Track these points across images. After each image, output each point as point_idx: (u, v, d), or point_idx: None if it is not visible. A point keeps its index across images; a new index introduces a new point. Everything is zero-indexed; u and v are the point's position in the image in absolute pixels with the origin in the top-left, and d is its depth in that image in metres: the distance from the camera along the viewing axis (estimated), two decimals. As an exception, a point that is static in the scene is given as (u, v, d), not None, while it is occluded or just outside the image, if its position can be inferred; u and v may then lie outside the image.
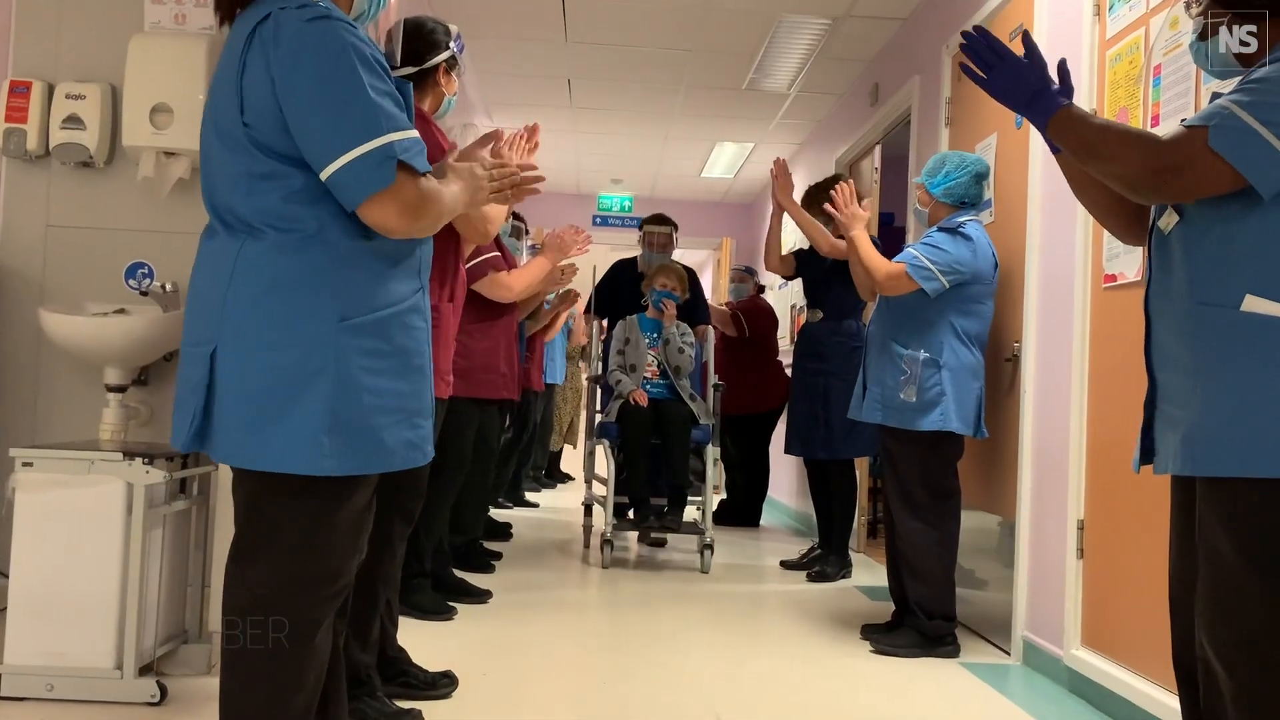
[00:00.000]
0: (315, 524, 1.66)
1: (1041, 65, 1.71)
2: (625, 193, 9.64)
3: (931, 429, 3.29)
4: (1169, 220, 1.66)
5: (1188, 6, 1.78)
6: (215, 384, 1.62)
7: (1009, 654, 3.42)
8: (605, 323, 5.36)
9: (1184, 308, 1.62)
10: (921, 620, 3.33)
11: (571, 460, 9.44)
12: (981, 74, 1.74)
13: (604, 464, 4.93)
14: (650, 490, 4.79)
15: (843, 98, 6.37)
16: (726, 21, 5.27)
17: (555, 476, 8.86)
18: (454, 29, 2.68)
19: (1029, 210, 3.48)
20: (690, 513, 5.06)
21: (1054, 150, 1.83)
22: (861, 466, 5.35)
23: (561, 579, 4.59)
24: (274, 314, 1.61)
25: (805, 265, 4.84)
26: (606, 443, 4.87)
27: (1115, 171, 1.62)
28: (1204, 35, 1.71)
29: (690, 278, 5.21)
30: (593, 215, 9.55)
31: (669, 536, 5.26)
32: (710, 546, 4.73)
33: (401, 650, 2.65)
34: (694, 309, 5.23)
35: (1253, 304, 1.54)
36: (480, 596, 3.84)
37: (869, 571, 4.97)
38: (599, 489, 5.11)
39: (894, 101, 5.22)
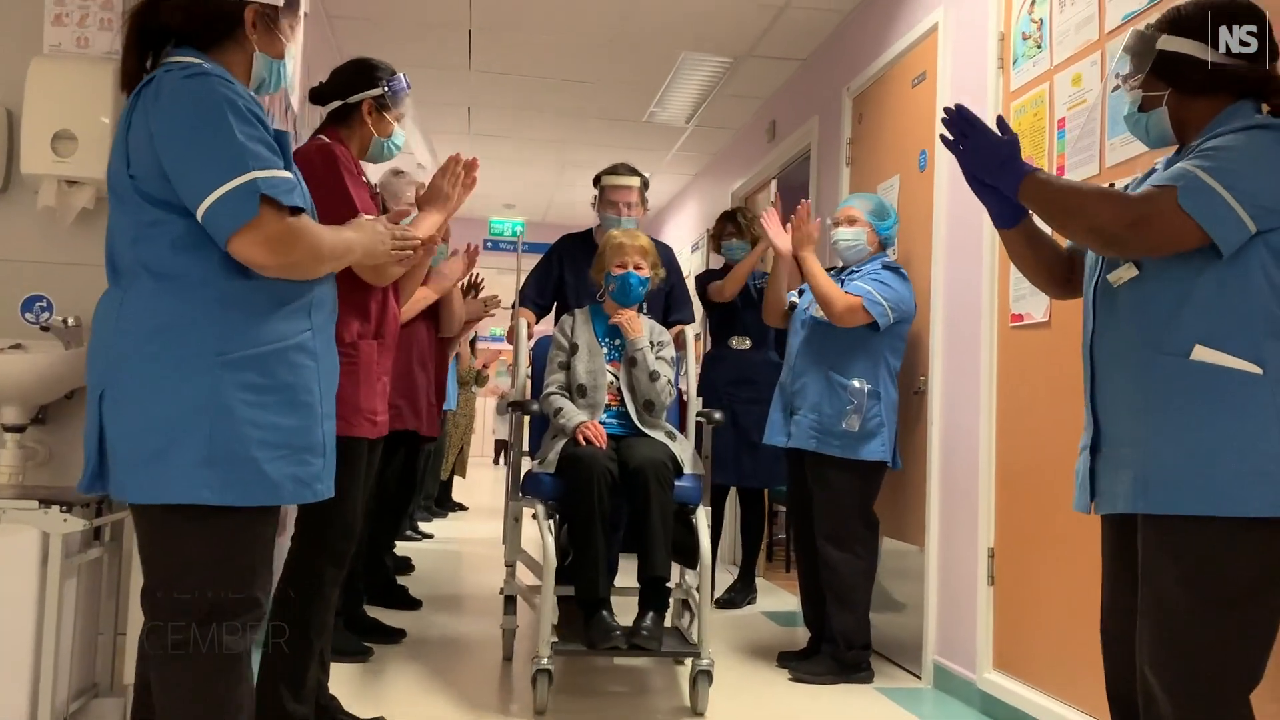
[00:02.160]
0: (210, 553, 1.71)
1: (1013, 138, 1.82)
2: (517, 218, 9.63)
3: (873, 458, 3.39)
4: (1121, 275, 1.76)
5: (1124, 81, 1.90)
6: (105, 426, 1.71)
7: (920, 678, 3.54)
8: (538, 320, 4.02)
9: (1136, 356, 1.72)
10: (839, 648, 3.42)
11: (462, 489, 9.33)
12: (957, 142, 1.84)
13: (538, 539, 3.16)
14: (610, 582, 3.16)
15: (739, 132, 6.52)
16: (631, 56, 5.35)
17: (447, 505, 8.73)
18: (402, 75, 2.65)
19: (934, 250, 3.64)
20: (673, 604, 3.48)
21: (1003, 225, 1.95)
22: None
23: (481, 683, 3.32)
24: (157, 355, 1.67)
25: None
26: (540, 507, 3.16)
27: (1091, 225, 1.71)
28: (1144, 108, 1.84)
29: (665, 255, 3.78)
30: (484, 240, 9.52)
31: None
32: (708, 673, 3.01)
33: (333, 698, 2.59)
34: (670, 301, 3.91)
35: (1201, 353, 1.65)
36: (394, 636, 3.76)
37: (772, 597, 5.06)
38: (525, 575, 3.60)
39: (792, 139, 5.38)
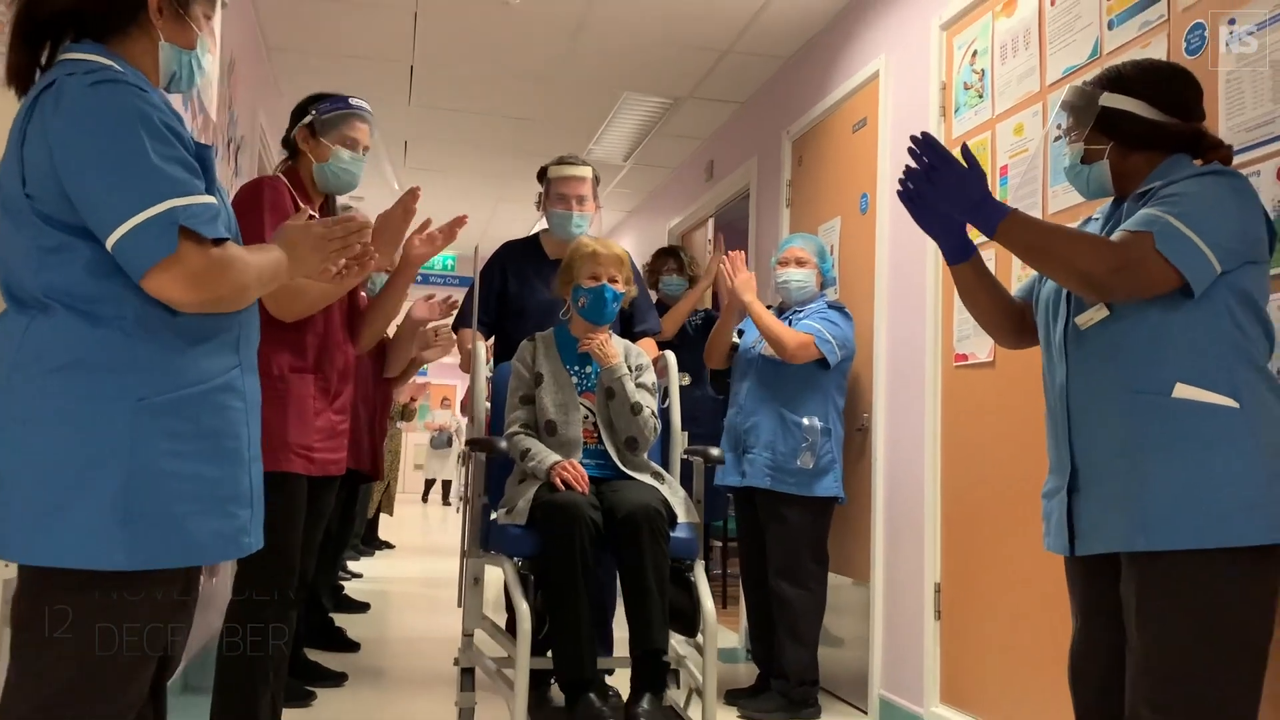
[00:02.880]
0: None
1: (983, 175, 1.85)
2: (449, 251, 9.57)
3: (827, 494, 3.44)
4: (1091, 317, 1.82)
5: (1066, 133, 1.98)
6: None
7: (866, 713, 3.58)
8: (493, 344, 3.51)
9: (1117, 397, 1.77)
10: (790, 684, 3.45)
11: (389, 527, 9.18)
12: (925, 174, 1.84)
13: (502, 604, 3.14)
14: (595, 656, 2.61)
15: (677, 171, 6.60)
16: (572, 94, 5.39)
17: (373, 544, 8.57)
18: (345, 99, 2.63)
19: (876, 290, 3.73)
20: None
21: (955, 260, 1.99)
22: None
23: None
24: (63, 394, 1.47)
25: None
26: (509, 565, 2.69)
27: (1075, 269, 1.75)
28: (1087, 160, 1.92)
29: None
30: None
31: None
32: None
33: (285, 746, 2.52)
34: (633, 310, 3.45)
35: (1183, 391, 1.71)
36: (336, 680, 3.68)
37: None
38: (489, 646, 3.00)
39: (731, 179, 5.47)
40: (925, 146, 1.84)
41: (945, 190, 1.84)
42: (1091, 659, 1.87)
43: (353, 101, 2.64)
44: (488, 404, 3.09)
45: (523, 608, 2.51)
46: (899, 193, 1.92)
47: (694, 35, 4.55)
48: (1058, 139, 2.78)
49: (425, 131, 6.14)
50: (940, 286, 3.35)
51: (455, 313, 3.75)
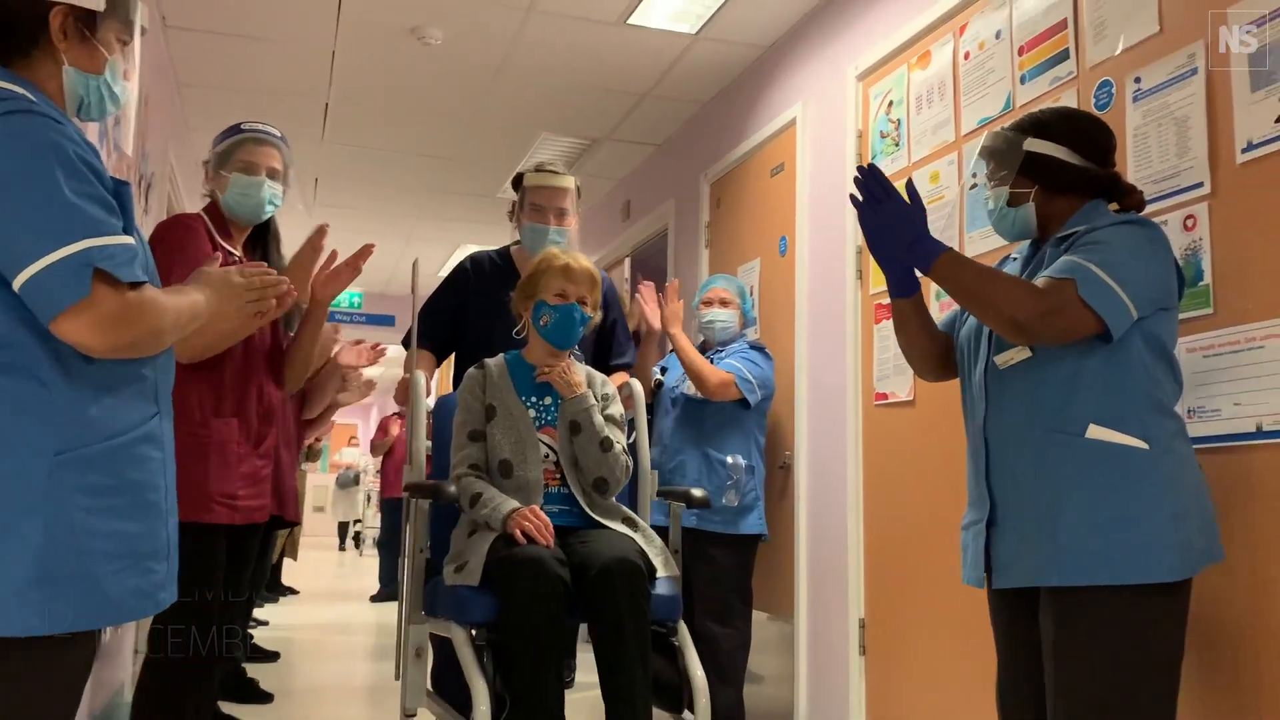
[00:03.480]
0: (13, 695, 1.40)
1: (923, 211, 1.91)
2: (355, 289, 9.43)
3: (752, 532, 3.47)
4: (1012, 357, 1.88)
5: (991, 177, 2.05)
6: None
7: (792, 749, 3.61)
8: (439, 362, 3.14)
9: (1034, 436, 1.84)
10: (716, 724, 3.45)
11: (292, 572, 8.93)
12: (869, 205, 1.89)
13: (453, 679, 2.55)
14: None
15: (593, 210, 6.65)
16: (489, 134, 5.40)
17: (277, 590, 8.33)
18: (249, 124, 2.58)
19: (797, 331, 3.81)
20: None
21: (898, 294, 2.04)
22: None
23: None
24: None
25: None
26: (460, 633, 2.29)
27: (1004, 313, 1.79)
28: (1013, 203, 1.99)
29: (606, 285, 2.94)
30: (320, 312, 9.26)
31: None
32: None
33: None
34: (610, 341, 3.15)
35: (1096, 432, 1.79)
36: (251, 732, 3.56)
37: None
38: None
39: (648, 219, 5.53)
40: (869, 179, 1.89)
41: (885, 224, 1.89)
42: (1017, 690, 1.93)
43: (244, 126, 2.57)
44: (428, 441, 2.74)
45: (479, 686, 2.17)
46: (855, 200, 1.96)
47: (613, 79, 4.61)
48: (974, 186, 2.90)
49: (337, 168, 6.07)
50: (859, 328, 3.44)
51: (380, 358, 3.68)
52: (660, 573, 2.40)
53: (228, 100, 4.92)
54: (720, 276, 3.97)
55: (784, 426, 3.84)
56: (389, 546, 8.33)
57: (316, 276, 2.61)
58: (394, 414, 8.49)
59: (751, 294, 4.14)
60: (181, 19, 4.15)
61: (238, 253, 2.53)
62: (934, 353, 2.12)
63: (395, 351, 12.50)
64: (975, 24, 2.96)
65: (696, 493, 2.62)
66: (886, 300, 3.22)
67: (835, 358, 3.56)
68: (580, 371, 2.60)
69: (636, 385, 2.82)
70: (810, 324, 3.76)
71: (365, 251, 2.60)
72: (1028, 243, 2.08)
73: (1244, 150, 2.08)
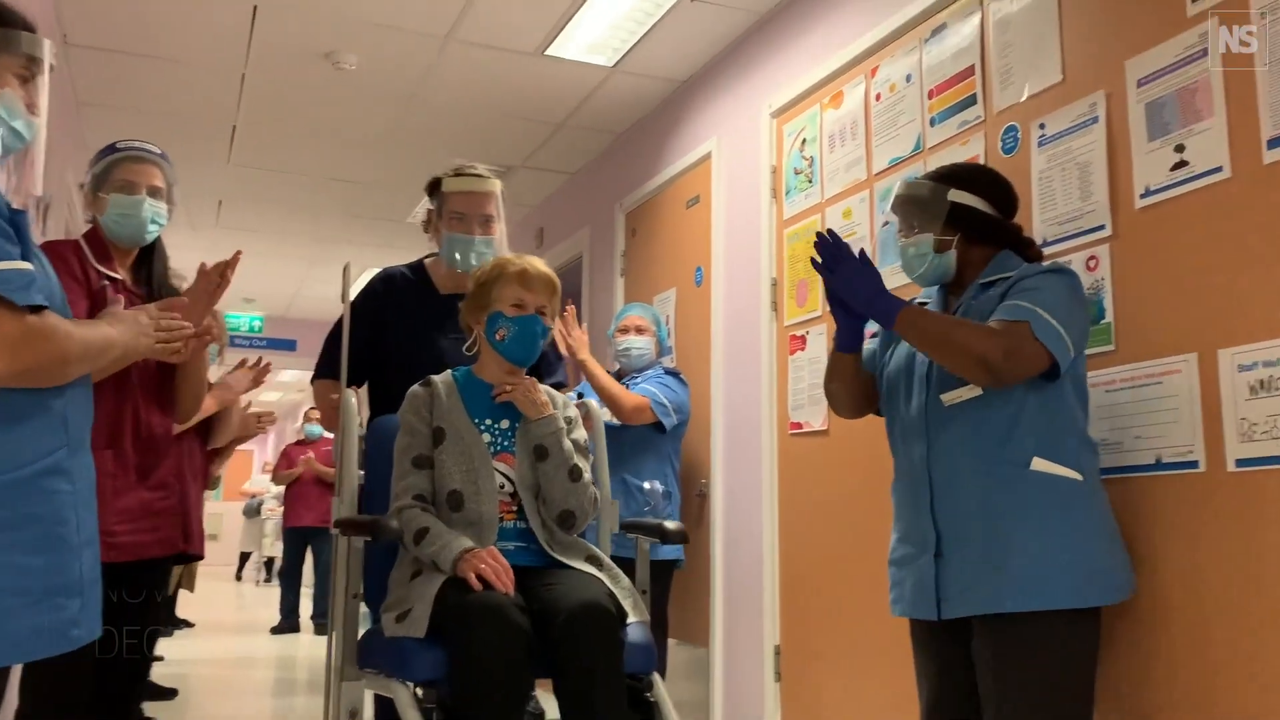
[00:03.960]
0: None
1: (878, 272, 2.01)
2: (256, 312, 9.22)
3: (669, 558, 3.48)
4: (960, 394, 1.96)
5: (911, 224, 2.12)
6: None
7: (708, 777, 3.63)
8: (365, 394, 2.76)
9: (980, 468, 1.92)
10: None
11: (189, 604, 8.62)
12: (828, 267, 2.00)
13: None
14: None
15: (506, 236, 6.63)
16: (401, 159, 5.36)
17: (174, 623, 8.03)
18: (124, 143, 2.50)
19: (712, 360, 3.86)
20: None
21: (844, 349, 2.13)
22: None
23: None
24: None
25: None
26: (402, 692, 2.00)
27: (973, 355, 1.86)
28: (939, 249, 2.08)
29: None
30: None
31: None
32: None
33: None
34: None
35: (1040, 464, 1.89)
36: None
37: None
38: None
39: (562, 247, 5.55)
40: (827, 245, 2.00)
41: (847, 286, 1.99)
42: (942, 713, 2.00)
43: (120, 145, 2.49)
44: (360, 472, 2.42)
45: None
46: (815, 264, 2.05)
47: (529, 108, 4.63)
48: (885, 224, 2.99)
49: (242, 190, 5.94)
50: (775, 358, 3.50)
51: (266, 375, 3.56)
52: (630, 617, 2.10)
53: (129, 120, 4.77)
54: (635, 305, 4.01)
55: (700, 454, 3.89)
56: (290, 577, 8.12)
57: (186, 291, 2.50)
58: (297, 442, 8.29)
59: (667, 323, 4.19)
60: (83, 37, 4.03)
61: (119, 276, 2.43)
62: (860, 395, 2.22)
63: (292, 376, 12.20)
64: (886, 67, 3.07)
65: (670, 525, 2.34)
66: (801, 332, 3.33)
67: (751, 387, 3.62)
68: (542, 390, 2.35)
69: (594, 406, 2.54)
70: (726, 354, 3.81)
71: (232, 261, 2.47)
72: (935, 288, 2.18)
73: (1143, 195, 2.20)
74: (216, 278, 2.43)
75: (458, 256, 2.67)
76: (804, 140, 3.44)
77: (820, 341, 3.25)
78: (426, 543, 2.09)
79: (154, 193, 2.44)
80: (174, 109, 4.71)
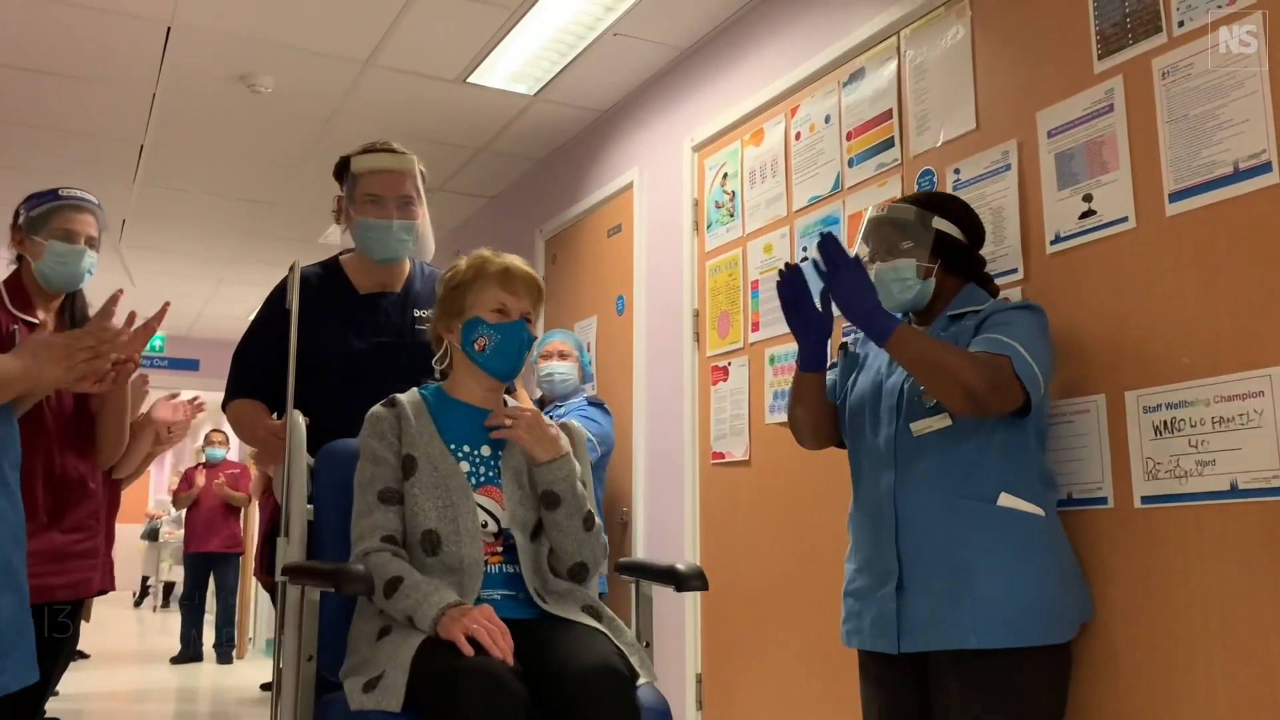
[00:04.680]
0: None
1: (874, 285, 1.98)
2: (158, 331, 8.94)
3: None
4: (930, 424, 1.98)
5: (891, 249, 2.11)
6: None
7: (630, 805, 3.64)
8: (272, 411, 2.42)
9: (947, 501, 1.94)
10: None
11: (82, 634, 8.30)
12: (829, 273, 1.96)
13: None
14: None
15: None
16: (317, 181, 5.26)
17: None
18: (66, 191, 2.50)
19: (635, 389, 3.89)
20: None
21: (809, 368, 2.12)
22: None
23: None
24: None
25: None
26: None
27: (960, 382, 1.85)
28: (923, 275, 2.08)
29: None
30: (118, 356, 8.73)
31: None
32: None
33: None
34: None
35: (1006, 500, 1.92)
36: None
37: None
38: None
39: (479, 271, 5.52)
40: (833, 247, 1.96)
41: (844, 294, 1.95)
42: None
43: (63, 193, 2.51)
44: (310, 507, 2.04)
45: None
46: (779, 292, 2.03)
47: (448, 133, 4.61)
48: (805, 259, 3.06)
49: (148, 210, 5.78)
50: (697, 388, 3.55)
51: (199, 413, 3.48)
52: (640, 678, 1.77)
53: (30, 137, 4.61)
54: (558, 330, 4.03)
55: (622, 483, 3.91)
56: (191, 604, 7.89)
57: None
58: (198, 465, 8.07)
59: (589, 350, 4.21)
60: (-16, 53, 3.88)
61: (38, 320, 2.43)
62: (825, 423, 2.20)
63: (193, 395, 11.75)
64: (806, 106, 3.15)
65: (683, 569, 1.96)
66: (723, 363, 3.39)
67: (673, 417, 3.66)
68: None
69: (579, 431, 2.12)
70: (648, 383, 3.85)
71: (162, 311, 2.40)
72: (899, 316, 2.21)
73: (1053, 241, 2.31)
74: (154, 325, 2.40)
75: (374, 245, 2.36)
76: (725, 175, 3.51)
77: (742, 374, 3.31)
78: (401, 595, 1.74)
79: (90, 242, 2.49)
80: (78, 128, 4.56)
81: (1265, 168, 1.92)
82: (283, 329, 2.28)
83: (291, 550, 1.99)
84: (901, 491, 2.01)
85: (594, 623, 1.85)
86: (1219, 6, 2.02)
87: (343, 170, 2.45)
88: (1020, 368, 1.88)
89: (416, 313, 2.43)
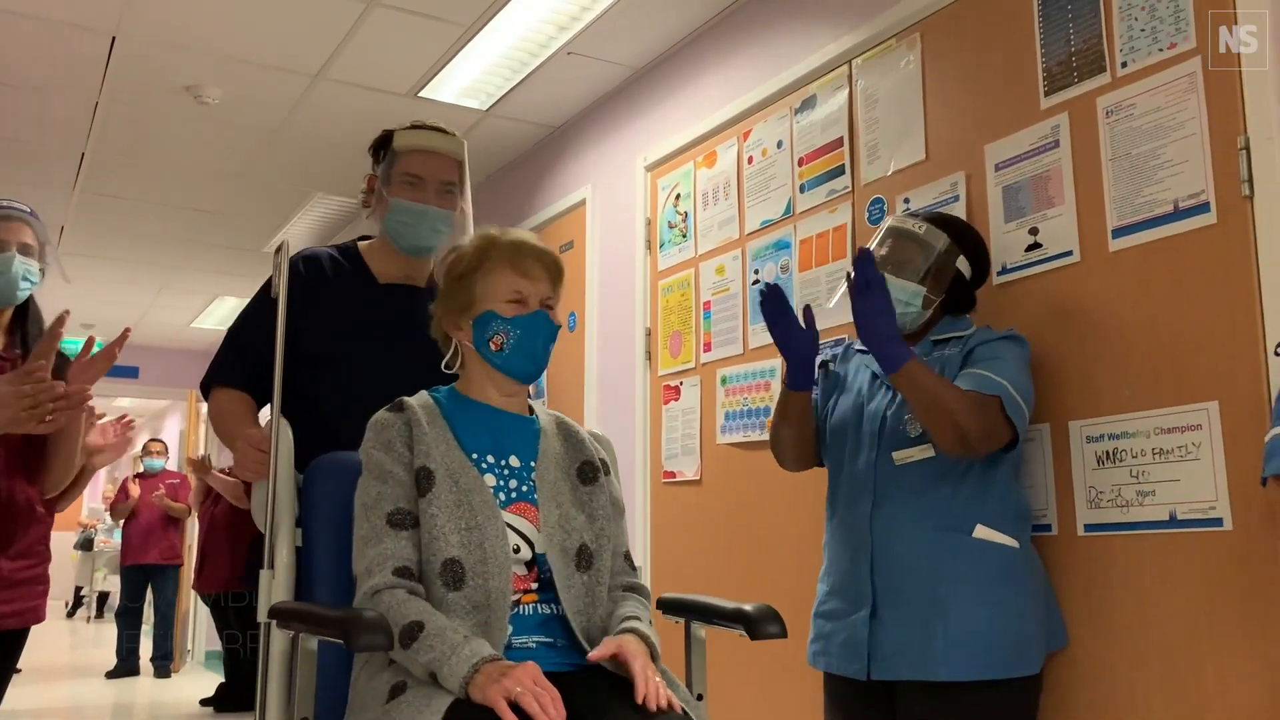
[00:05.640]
0: None
1: (895, 313, 1.95)
2: (96, 338, 8.77)
3: None
4: (912, 454, 2.00)
5: (903, 265, 2.09)
6: None
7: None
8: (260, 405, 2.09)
9: (925, 531, 1.95)
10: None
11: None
12: (858, 290, 1.91)
13: None
14: None
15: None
16: (261, 191, 5.23)
17: (-3, 669, 7.51)
18: (2, 203, 2.43)
19: (586, 406, 3.90)
20: None
21: (797, 387, 2.11)
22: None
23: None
24: None
25: None
26: None
27: (956, 424, 1.85)
28: (924, 305, 2.08)
29: None
30: (53, 363, 8.55)
31: None
32: None
33: None
34: None
35: (982, 531, 1.94)
36: None
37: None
38: None
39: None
40: (868, 265, 1.91)
41: (867, 315, 1.91)
42: None
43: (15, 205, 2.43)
44: (299, 529, 1.74)
45: None
46: (763, 310, 2.02)
47: (399, 146, 4.58)
48: (757, 282, 3.10)
49: (87, 218, 5.68)
50: (649, 407, 3.57)
51: (130, 430, 3.39)
52: None
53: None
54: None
55: (572, 500, 3.91)
56: (129, 617, 7.72)
57: (72, 365, 2.43)
58: (135, 475, 7.91)
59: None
60: (-81, 59, 3.78)
61: None
62: (811, 443, 2.21)
63: (132, 403, 11.68)
64: (759, 131, 3.19)
65: (751, 610, 1.65)
66: (675, 382, 3.41)
67: (625, 435, 3.67)
68: (548, 418, 1.76)
69: (610, 444, 1.88)
70: (600, 400, 3.86)
71: (123, 337, 2.36)
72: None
73: (1000, 273, 2.36)
74: (115, 351, 2.35)
75: (405, 231, 2.10)
76: (678, 195, 3.53)
77: (694, 393, 3.34)
78: (422, 645, 1.43)
79: (25, 250, 2.37)
80: (18, 135, 4.47)
81: (1204, 208, 1.99)
82: (295, 310, 1.96)
83: (277, 586, 1.69)
84: (879, 519, 2.01)
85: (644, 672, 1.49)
86: (1160, 50, 2.09)
87: (382, 146, 2.18)
88: (1010, 408, 1.90)
89: None
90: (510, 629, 1.52)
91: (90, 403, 2.28)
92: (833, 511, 2.16)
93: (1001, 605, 1.92)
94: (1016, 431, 1.92)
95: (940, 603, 1.91)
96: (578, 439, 1.75)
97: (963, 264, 2.13)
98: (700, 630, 1.76)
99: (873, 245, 2.14)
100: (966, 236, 2.16)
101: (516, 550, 1.57)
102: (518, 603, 1.55)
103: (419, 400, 1.68)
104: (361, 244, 2.23)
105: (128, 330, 2.40)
